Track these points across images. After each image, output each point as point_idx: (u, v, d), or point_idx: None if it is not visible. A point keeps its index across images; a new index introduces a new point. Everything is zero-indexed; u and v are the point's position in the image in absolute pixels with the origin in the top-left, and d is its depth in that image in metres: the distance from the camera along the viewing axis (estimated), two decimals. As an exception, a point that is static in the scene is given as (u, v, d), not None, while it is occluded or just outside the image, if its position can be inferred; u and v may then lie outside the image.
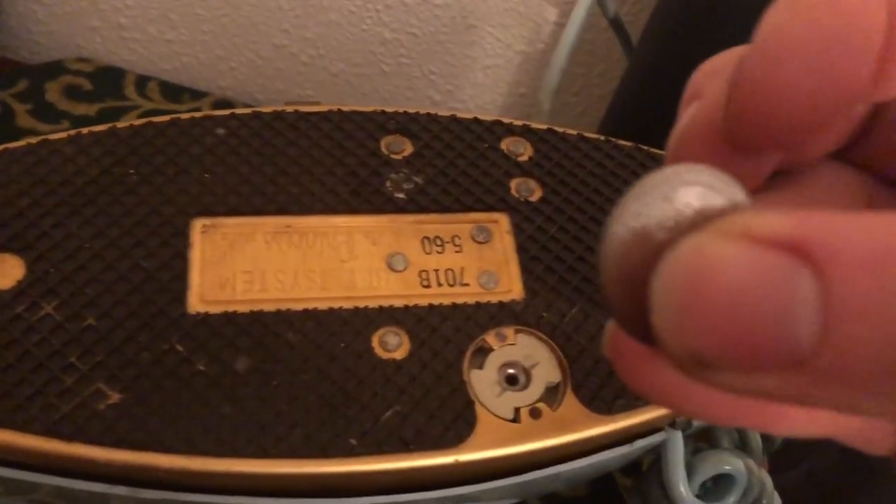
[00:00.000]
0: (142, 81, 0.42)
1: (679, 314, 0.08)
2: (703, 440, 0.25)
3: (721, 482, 0.23)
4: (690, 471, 0.22)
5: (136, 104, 0.41)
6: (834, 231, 0.07)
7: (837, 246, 0.07)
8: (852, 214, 0.08)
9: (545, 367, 0.22)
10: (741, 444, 0.24)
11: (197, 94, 0.43)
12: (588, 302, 0.23)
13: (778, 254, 0.07)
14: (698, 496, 0.22)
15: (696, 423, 0.23)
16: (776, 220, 0.08)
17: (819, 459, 0.44)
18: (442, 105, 0.48)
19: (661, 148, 0.26)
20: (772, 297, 0.07)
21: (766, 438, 0.25)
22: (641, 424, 0.22)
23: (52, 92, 0.40)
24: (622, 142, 0.26)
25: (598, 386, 0.22)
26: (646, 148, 0.26)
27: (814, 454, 0.46)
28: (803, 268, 0.07)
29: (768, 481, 0.23)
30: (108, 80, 0.42)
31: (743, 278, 0.07)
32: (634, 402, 0.21)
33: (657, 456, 0.23)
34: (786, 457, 0.26)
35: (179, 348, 0.20)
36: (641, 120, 0.37)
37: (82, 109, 0.40)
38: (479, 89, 0.47)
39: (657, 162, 0.26)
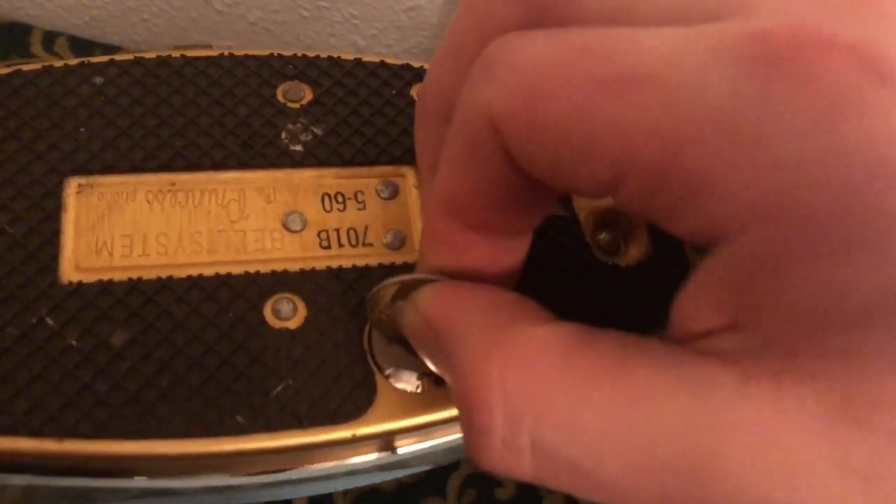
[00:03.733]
0: (49, 37, 0.39)
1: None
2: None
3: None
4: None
5: (45, 62, 0.38)
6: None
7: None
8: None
9: (452, 332, 0.20)
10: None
11: (109, 49, 0.40)
12: (499, 261, 0.21)
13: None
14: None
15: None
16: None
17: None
18: (367, 50, 0.45)
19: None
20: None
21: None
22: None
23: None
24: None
25: (506, 351, 0.20)
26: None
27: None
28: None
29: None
30: (12, 36, 0.38)
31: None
32: (545, 367, 0.20)
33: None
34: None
35: (49, 321, 0.19)
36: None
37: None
38: (405, 32, 0.45)
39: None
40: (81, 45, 0.39)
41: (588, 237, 0.22)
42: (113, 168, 0.21)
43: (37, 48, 0.38)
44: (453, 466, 0.30)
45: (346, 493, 0.29)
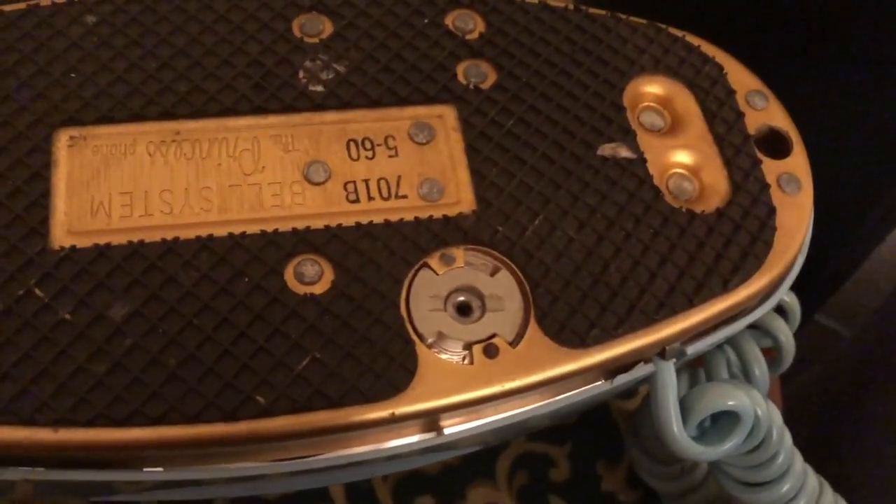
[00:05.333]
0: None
1: None
2: (696, 368, 0.21)
3: (722, 420, 0.19)
4: (686, 409, 0.19)
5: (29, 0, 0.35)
6: None
7: None
8: None
9: (502, 294, 0.18)
10: (743, 371, 0.20)
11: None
12: (554, 211, 0.18)
13: None
14: (695, 437, 0.19)
15: (690, 352, 0.19)
16: None
17: (833, 360, 0.41)
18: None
19: (642, 14, 0.21)
20: None
21: (772, 361, 0.21)
22: (622, 356, 0.18)
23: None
24: (594, 10, 0.21)
25: (567, 314, 0.17)
26: (624, 17, 0.21)
27: (825, 355, 0.43)
28: None
29: (777, 416, 0.19)
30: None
31: None
32: (612, 331, 0.17)
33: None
34: (795, 361, 0.22)
35: (39, 293, 0.16)
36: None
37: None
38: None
39: (638, 33, 0.21)
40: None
41: (657, 179, 0.19)
42: (109, 117, 0.18)
43: None
44: (502, 446, 0.27)
45: (385, 477, 0.26)
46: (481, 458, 0.27)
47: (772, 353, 0.21)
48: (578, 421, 0.28)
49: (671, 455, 0.22)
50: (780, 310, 0.21)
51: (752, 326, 0.20)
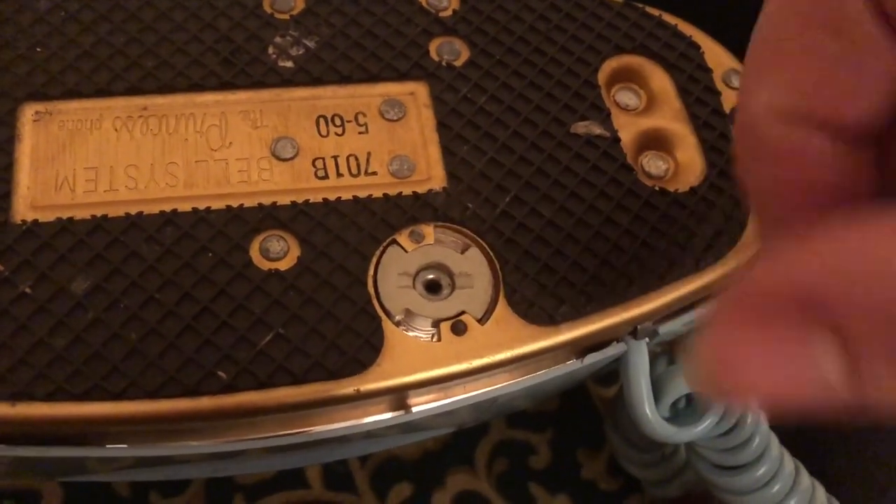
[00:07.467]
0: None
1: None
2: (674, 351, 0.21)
3: (696, 403, 0.19)
4: (658, 389, 0.18)
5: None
6: (847, 276, 0.08)
7: (853, 297, 0.08)
8: (861, 244, 0.08)
9: (471, 271, 0.17)
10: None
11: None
12: (525, 189, 0.18)
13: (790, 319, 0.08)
14: (669, 419, 0.19)
15: (662, 331, 0.18)
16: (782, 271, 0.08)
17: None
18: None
19: (618, -8, 0.21)
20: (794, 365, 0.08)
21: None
22: (592, 335, 0.18)
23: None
24: (570, -13, 0.21)
25: (536, 292, 0.17)
26: (601, -5, 0.21)
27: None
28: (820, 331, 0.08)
29: (750, 398, 0.19)
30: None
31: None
32: (582, 309, 0.17)
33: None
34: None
35: None
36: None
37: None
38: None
39: (614, 13, 0.21)
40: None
41: (630, 158, 0.19)
42: (75, 92, 0.18)
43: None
44: (482, 432, 0.27)
45: (363, 462, 0.26)
46: (460, 444, 0.27)
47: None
48: (559, 408, 0.28)
49: (650, 442, 0.22)
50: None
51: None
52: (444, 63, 0.19)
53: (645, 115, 0.20)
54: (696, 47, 0.21)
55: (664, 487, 0.25)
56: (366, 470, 0.26)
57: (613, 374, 0.23)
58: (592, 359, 0.18)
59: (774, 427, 0.20)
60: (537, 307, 0.17)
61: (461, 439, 0.27)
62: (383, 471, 0.26)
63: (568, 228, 0.18)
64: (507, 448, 0.27)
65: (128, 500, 0.24)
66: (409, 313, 0.17)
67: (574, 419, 0.28)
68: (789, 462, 0.21)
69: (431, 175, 0.18)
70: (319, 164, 0.18)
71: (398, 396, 0.17)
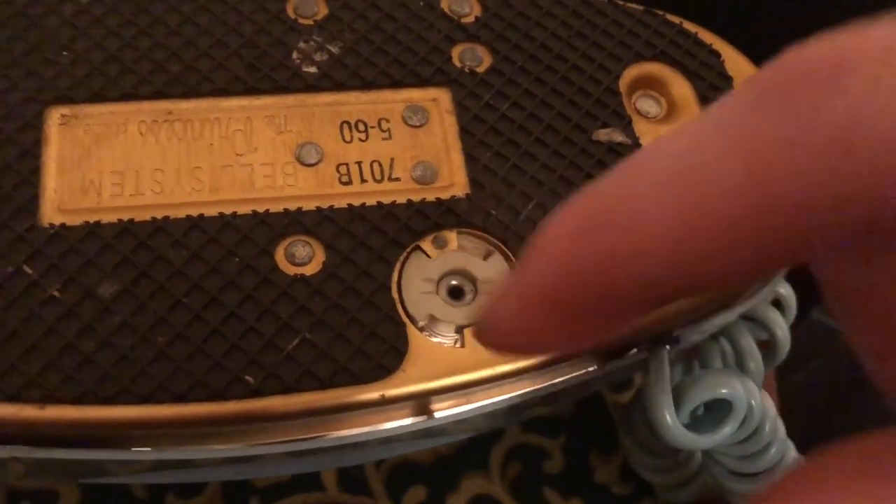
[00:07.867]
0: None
1: None
2: (692, 359, 0.21)
3: (715, 409, 0.19)
4: (679, 396, 0.19)
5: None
6: None
7: None
8: None
9: (494, 278, 0.18)
10: (737, 363, 0.20)
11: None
12: (547, 196, 0.18)
13: None
14: (688, 426, 0.19)
15: (682, 339, 0.18)
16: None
17: (831, 357, 0.41)
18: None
19: (640, 1, 0.21)
20: None
21: (767, 354, 0.21)
22: (614, 342, 0.18)
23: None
24: (592, -5, 0.21)
25: (559, 298, 0.17)
26: (622, 3, 0.21)
27: (825, 351, 0.42)
28: None
29: (771, 406, 0.19)
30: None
31: None
32: (605, 316, 0.17)
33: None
34: (792, 358, 0.22)
35: (28, 270, 0.16)
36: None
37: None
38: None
39: (635, 20, 0.21)
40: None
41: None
42: (101, 96, 0.18)
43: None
44: (496, 436, 0.27)
45: (378, 465, 0.26)
46: (475, 448, 0.27)
47: (767, 347, 0.21)
48: (572, 413, 0.28)
49: (665, 447, 0.22)
50: (776, 303, 0.21)
51: (748, 319, 0.20)
52: (466, 69, 0.20)
53: (666, 122, 0.20)
54: (717, 55, 0.21)
55: (678, 492, 0.25)
56: (380, 473, 0.26)
57: (627, 377, 0.23)
58: (614, 366, 0.18)
59: (791, 435, 0.20)
60: (560, 314, 0.17)
61: (475, 444, 0.27)
62: (398, 474, 0.26)
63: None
64: (520, 452, 0.27)
65: (145, 501, 0.24)
66: (432, 319, 0.17)
67: (587, 424, 0.28)
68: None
69: (454, 181, 0.18)
70: (343, 169, 0.18)
71: (421, 402, 0.17)
